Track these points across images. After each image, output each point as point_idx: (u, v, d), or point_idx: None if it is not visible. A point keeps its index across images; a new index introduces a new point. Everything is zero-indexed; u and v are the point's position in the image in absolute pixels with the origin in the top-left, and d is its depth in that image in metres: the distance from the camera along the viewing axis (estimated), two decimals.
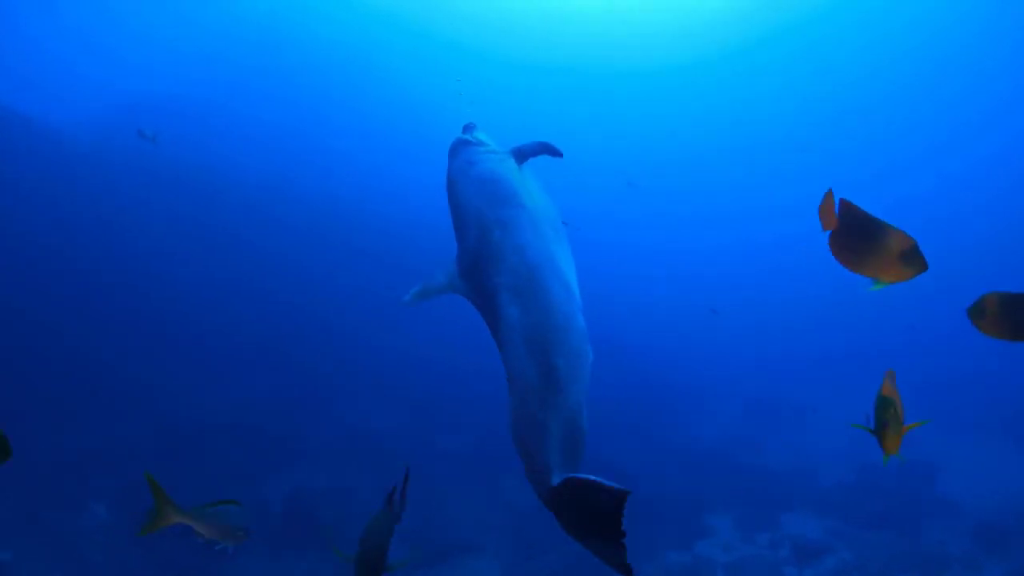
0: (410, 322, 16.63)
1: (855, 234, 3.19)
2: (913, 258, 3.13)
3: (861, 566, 11.79)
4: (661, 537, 12.49)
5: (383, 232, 18.95)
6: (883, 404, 3.24)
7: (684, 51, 38.94)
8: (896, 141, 41.20)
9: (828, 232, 3.25)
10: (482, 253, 3.73)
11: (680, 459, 15.63)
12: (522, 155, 4.36)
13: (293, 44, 26.99)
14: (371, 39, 32.08)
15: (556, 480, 3.04)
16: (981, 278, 10.64)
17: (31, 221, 14.98)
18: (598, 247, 28.20)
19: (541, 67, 37.98)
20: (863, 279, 3.32)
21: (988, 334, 3.29)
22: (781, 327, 28.31)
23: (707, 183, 40.93)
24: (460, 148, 4.48)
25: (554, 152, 4.31)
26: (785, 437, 18.73)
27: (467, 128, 4.73)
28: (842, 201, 3.21)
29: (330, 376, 15.71)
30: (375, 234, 18.79)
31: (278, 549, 10.78)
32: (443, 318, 17.76)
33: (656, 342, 22.78)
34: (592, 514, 2.94)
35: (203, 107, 21.44)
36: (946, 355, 22.92)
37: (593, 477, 2.97)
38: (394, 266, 16.86)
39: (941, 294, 16.49)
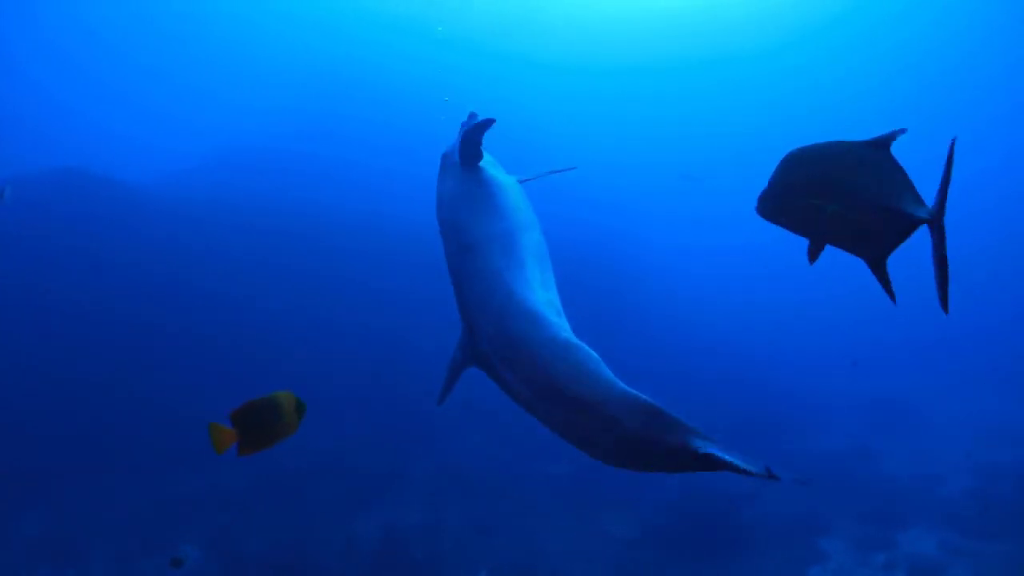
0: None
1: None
2: None
3: None
4: (770, 564, 11.75)
5: None
6: None
7: (744, 41, 38.42)
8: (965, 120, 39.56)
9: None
10: (464, 321, 3.63)
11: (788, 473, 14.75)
12: (468, 149, 4.02)
13: (363, 87, 27.44)
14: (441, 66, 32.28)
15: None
16: None
17: (125, 276, 15.45)
18: (682, 251, 27.71)
19: (591, 69, 37.71)
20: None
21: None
22: (884, 319, 26.94)
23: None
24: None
25: (484, 124, 3.95)
26: (902, 441, 17.61)
27: (469, 118, 4.39)
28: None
29: (426, 410, 15.56)
30: None
31: None
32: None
33: (756, 344, 21.86)
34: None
35: (278, 156, 21.87)
36: None
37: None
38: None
39: None
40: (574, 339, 3.16)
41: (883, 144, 2.81)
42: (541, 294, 3.46)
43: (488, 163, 4.19)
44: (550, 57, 36.57)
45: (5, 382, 13.62)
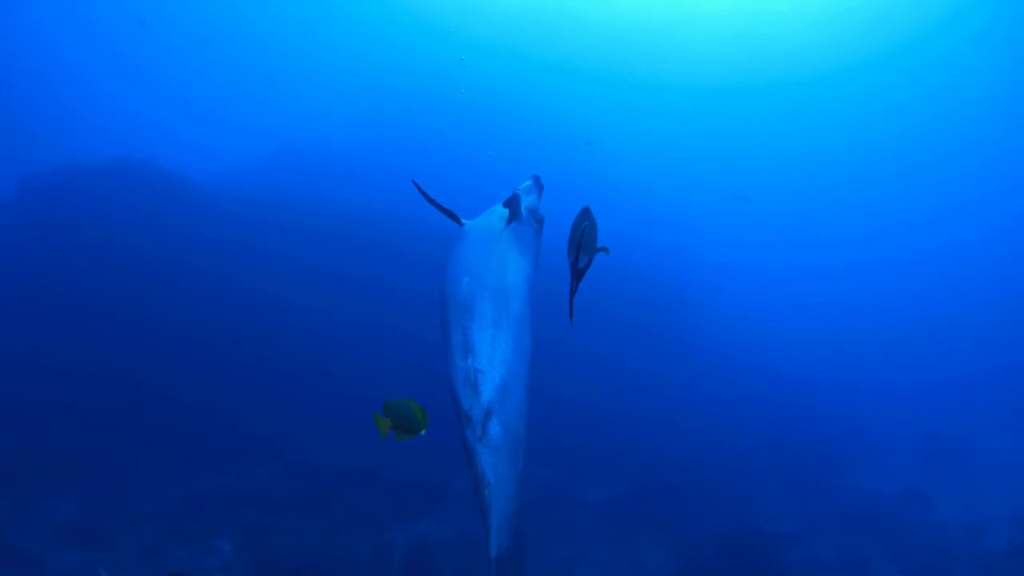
0: (558, 365, 16.16)
1: None
2: None
3: None
4: None
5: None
6: None
7: (804, 66, 37.73)
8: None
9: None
10: None
11: (836, 516, 14.24)
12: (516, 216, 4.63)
13: (424, 98, 27.46)
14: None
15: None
16: None
17: (174, 269, 15.60)
18: (735, 270, 27.18)
19: (649, 84, 37.32)
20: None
21: None
22: (942, 351, 26.00)
23: (834, 200, 39.16)
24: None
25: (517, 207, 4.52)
26: (954, 482, 16.93)
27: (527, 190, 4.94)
28: None
29: None
30: None
31: None
32: (598, 360, 17.30)
33: (806, 371, 21.23)
34: None
35: (336, 160, 21.98)
36: None
37: None
38: (552, 308, 16.57)
39: None
40: (473, 440, 3.87)
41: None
42: (460, 364, 3.97)
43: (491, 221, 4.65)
44: (608, 69, 36.27)
45: (46, 369, 13.82)
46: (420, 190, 4.74)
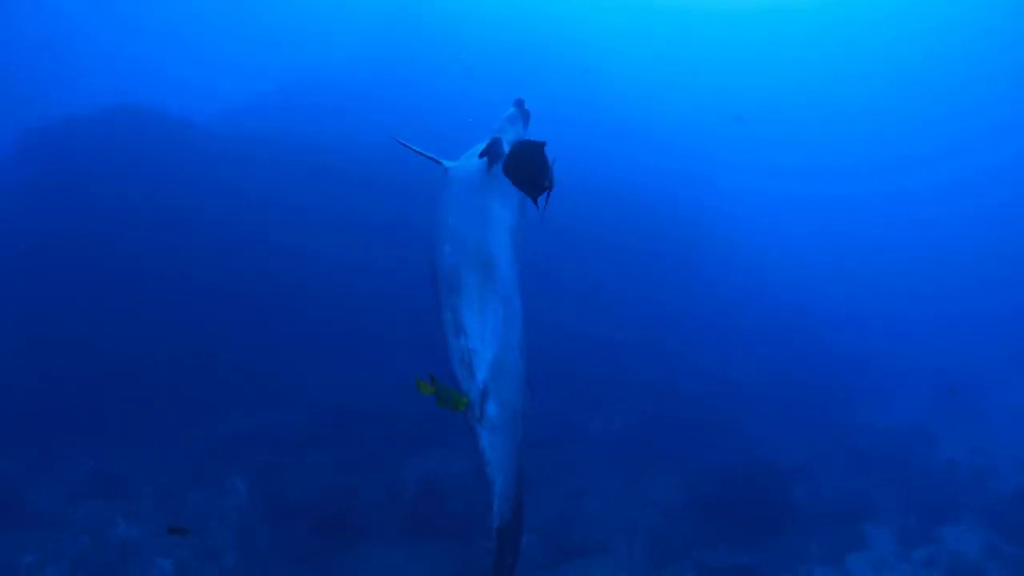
0: (572, 296, 16.16)
1: None
2: None
3: None
4: (811, 545, 11.41)
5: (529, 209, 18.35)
6: None
7: None
8: None
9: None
10: None
11: (844, 452, 14.32)
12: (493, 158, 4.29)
13: (429, 28, 26.83)
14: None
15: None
16: None
17: (180, 215, 15.54)
18: (744, 197, 26.87)
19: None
20: None
21: None
22: (960, 289, 25.64)
23: (848, 128, 38.33)
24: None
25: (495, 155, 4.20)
26: (964, 422, 16.89)
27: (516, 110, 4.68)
28: None
29: None
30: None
31: (407, 535, 10.51)
32: (607, 291, 17.23)
33: (819, 306, 21.05)
34: None
35: (336, 95, 21.58)
36: None
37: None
38: (560, 239, 16.63)
39: None
40: (473, 420, 4.05)
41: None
42: (453, 344, 4.07)
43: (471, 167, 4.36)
44: None
45: (56, 324, 13.96)
46: (403, 144, 4.64)
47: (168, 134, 17.06)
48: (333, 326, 15.11)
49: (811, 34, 38.81)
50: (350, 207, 16.87)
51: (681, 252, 19.33)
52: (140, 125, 17.20)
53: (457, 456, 12.38)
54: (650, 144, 23.18)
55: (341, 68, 23.78)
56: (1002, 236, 30.79)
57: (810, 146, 36.77)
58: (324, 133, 18.58)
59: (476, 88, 21.14)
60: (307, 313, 15.37)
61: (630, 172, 20.72)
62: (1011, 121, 38.39)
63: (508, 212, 4.26)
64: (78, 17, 39.10)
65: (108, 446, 12.35)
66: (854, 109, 39.00)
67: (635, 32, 34.52)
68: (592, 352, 15.63)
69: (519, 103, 4.71)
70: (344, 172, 17.47)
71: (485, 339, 3.86)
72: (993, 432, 16.53)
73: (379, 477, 11.58)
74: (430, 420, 13.11)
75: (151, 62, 39.15)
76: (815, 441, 14.55)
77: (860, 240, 28.70)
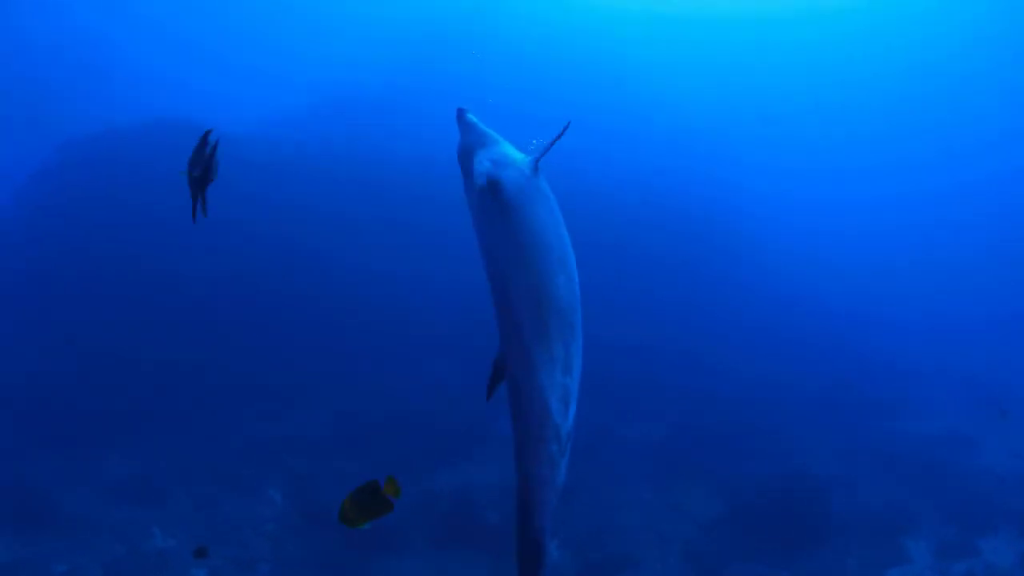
0: (607, 302, 16.07)
1: None
2: None
3: None
4: (849, 560, 11.15)
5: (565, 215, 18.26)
6: None
7: None
8: None
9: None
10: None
11: (882, 461, 14.04)
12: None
13: (458, 41, 26.92)
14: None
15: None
16: None
17: (213, 222, 15.65)
18: (778, 202, 26.59)
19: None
20: None
21: None
22: (1001, 292, 25.09)
23: (878, 129, 37.94)
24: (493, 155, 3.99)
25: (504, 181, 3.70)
26: (1004, 429, 16.43)
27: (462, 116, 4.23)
28: None
29: None
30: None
31: (439, 546, 10.49)
32: (642, 297, 17.16)
33: (855, 311, 20.73)
34: None
35: (371, 107, 21.72)
36: None
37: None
38: (590, 247, 16.39)
39: None
40: (556, 455, 3.54)
41: None
42: (560, 382, 3.56)
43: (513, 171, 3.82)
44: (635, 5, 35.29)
45: (95, 326, 14.17)
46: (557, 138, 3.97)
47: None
48: (368, 334, 15.18)
49: (836, 38, 38.62)
50: (383, 216, 16.97)
51: (717, 258, 19.19)
52: (175, 137, 17.44)
53: (489, 466, 12.34)
54: (685, 151, 23.10)
55: (375, 79, 23.92)
56: None
57: (848, 148, 36.43)
58: (358, 144, 18.72)
59: (507, 98, 21.29)
60: (342, 320, 15.45)
61: (665, 179, 20.67)
62: None
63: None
64: (113, 32, 39.85)
65: (144, 452, 12.47)
66: (888, 109, 38.64)
67: (661, 40, 34.45)
68: (627, 359, 15.52)
69: (460, 112, 4.26)
70: (380, 182, 17.59)
71: (576, 377, 3.68)
72: None
73: (412, 487, 11.54)
74: (463, 429, 13.13)
75: (186, 77, 39.69)
76: (852, 450, 14.29)
77: (895, 244, 28.25)
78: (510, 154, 3.97)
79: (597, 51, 29.05)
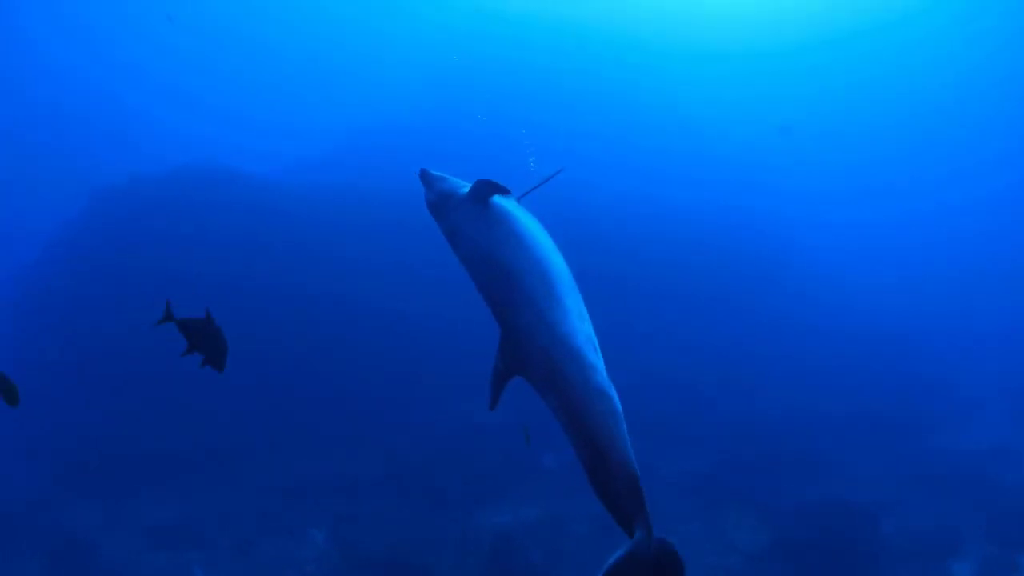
0: (646, 333, 16.04)
1: None
2: None
3: None
4: None
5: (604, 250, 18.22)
6: None
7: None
8: None
9: None
10: (507, 339, 3.99)
11: (925, 481, 13.73)
12: (485, 188, 4.28)
13: (498, 82, 27.10)
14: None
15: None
16: None
17: (256, 268, 15.82)
18: (819, 226, 26.42)
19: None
20: None
21: None
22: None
23: (896, 148, 37.87)
24: (447, 199, 4.50)
25: (500, 188, 4.24)
26: None
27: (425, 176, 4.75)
28: None
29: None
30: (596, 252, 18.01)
31: None
32: (680, 327, 17.04)
33: (890, 329, 20.31)
34: None
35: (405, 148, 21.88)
36: None
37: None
38: (634, 277, 16.65)
39: None
40: (606, 386, 3.58)
41: None
42: (580, 328, 3.79)
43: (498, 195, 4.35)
44: (661, 42, 35.69)
45: (132, 374, 14.23)
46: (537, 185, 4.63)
47: (234, 190, 17.53)
48: (409, 374, 15.13)
49: (861, 59, 38.90)
50: (418, 258, 16.98)
51: (754, 287, 19.04)
52: (207, 182, 17.73)
53: (531, 505, 12.19)
54: (720, 180, 23.08)
55: (404, 122, 24.14)
56: None
57: (873, 168, 36.38)
58: (387, 187, 18.84)
59: (535, 134, 21.42)
60: (382, 362, 15.40)
61: (702, 209, 20.63)
62: None
63: None
64: (144, 80, 40.95)
65: (184, 495, 12.47)
66: (912, 127, 38.61)
67: (703, 77, 34.81)
68: (668, 390, 15.41)
69: (424, 173, 4.83)
70: (411, 224, 17.60)
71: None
72: None
73: (454, 527, 11.43)
74: (504, 468, 12.97)
75: (215, 125, 40.61)
76: (895, 471, 14.02)
77: (928, 258, 27.94)
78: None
79: (633, 87, 29.23)
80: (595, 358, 3.69)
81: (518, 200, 4.42)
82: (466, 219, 4.31)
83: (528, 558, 10.63)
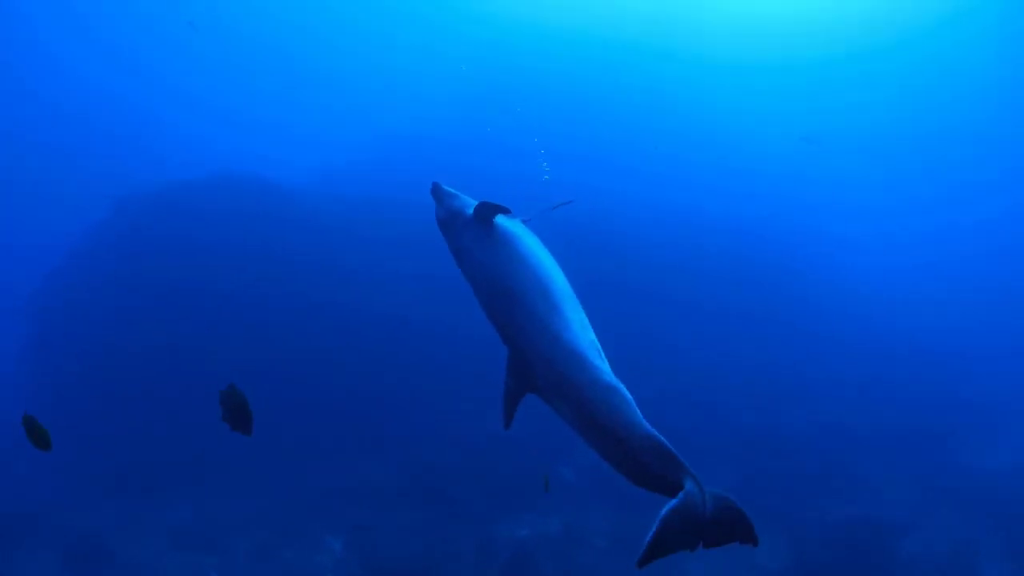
0: (673, 348, 16.00)
1: None
2: None
3: None
4: None
5: (630, 261, 18.20)
6: None
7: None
8: None
9: None
10: (514, 357, 4.12)
11: (951, 499, 13.51)
12: (488, 210, 4.39)
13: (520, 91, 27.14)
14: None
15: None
16: None
17: (280, 276, 15.87)
18: (846, 242, 26.27)
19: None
20: None
21: None
22: None
23: (927, 161, 37.68)
24: (456, 218, 4.60)
25: (501, 209, 4.36)
26: None
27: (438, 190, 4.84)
28: None
29: None
30: (623, 263, 18.00)
31: None
32: (707, 342, 16.96)
33: (918, 345, 20.05)
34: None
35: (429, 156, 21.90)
36: None
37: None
38: (661, 289, 16.64)
39: None
40: (613, 381, 3.71)
41: None
42: (583, 336, 3.93)
43: (501, 216, 4.50)
44: (700, 52, 35.72)
45: (154, 378, 14.29)
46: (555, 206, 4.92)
47: (265, 198, 17.63)
48: (430, 384, 15.09)
49: (899, 71, 38.90)
50: (445, 269, 16.96)
51: (783, 302, 18.94)
52: (232, 189, 17.86)
53: (549, 518, 12.09)
54: (748, 191, 23.08)
55: (433, 134, 24.24)
56: None
57: (904, 181, 36.16)
58: (417, 195, 18.83)
59: (555, 143, 21.51)
60: (403, 371, 15.38)
61: (728, 219, 20.60)
62: None
63: None
64: (167, 88, 41.40)
65: (204, 500, 12.47)
66: (939, 141, 38.40)
67: (737, 88, 34.86)
68: (694, 403, 15.31)
69: (436, 187, 4.93)
70: (435, 234, 17.62)
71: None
72: None
73: (472, 539, 11.35)
74: (522, 481, 12.88)
75: (239, 134, 40.97)
76: (920, 488, 13.82)
77: (952, 274, 27.66)
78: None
79: (672, 98, 29.30)
80: (600, 361, 3.83)
81: (523, 223, 4.57)
82: (471, 239, 4.43)
83: (543, 571, 10.53)
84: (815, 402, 16.34)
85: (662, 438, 3.49)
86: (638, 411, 3.59)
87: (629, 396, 3.65)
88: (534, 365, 3.93)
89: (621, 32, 33.84)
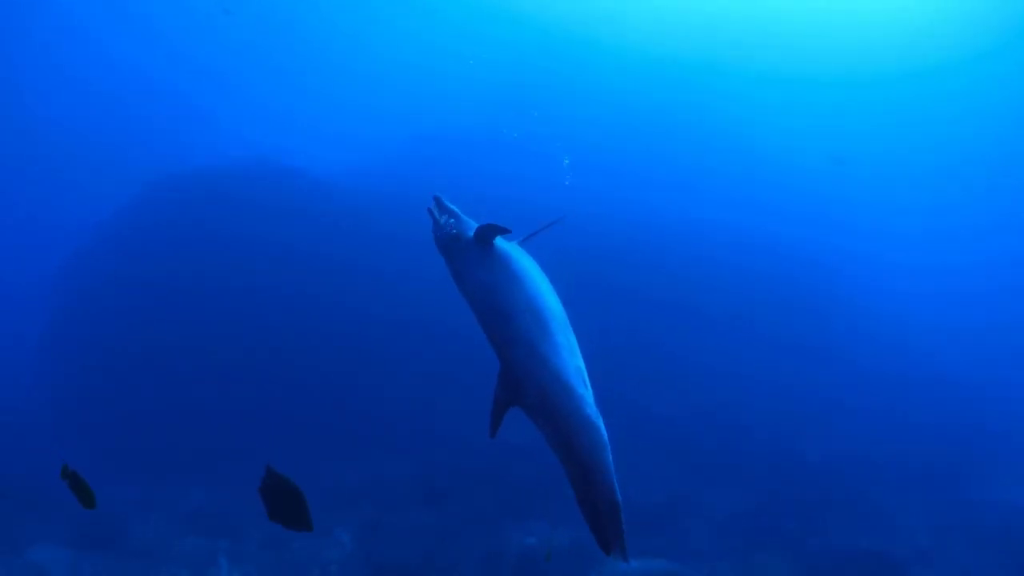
0: (695, 366, 16.00)
1: None
2: None
3: None
4: None
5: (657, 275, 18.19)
6: None
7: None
8: None
9: None
10: (505, 372, 4.26)
11: (966, 532, 13.39)
12: (488, 232, 4.46)
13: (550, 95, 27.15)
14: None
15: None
16: None
17: (306, 268, 15.97)
18: (887, 268, 26.12)
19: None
20: None
21: None
22: None
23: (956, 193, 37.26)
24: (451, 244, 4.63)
25: (502, 230, 4.43)
26: None
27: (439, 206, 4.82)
28: None
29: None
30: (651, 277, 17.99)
31: None
32: (729, 361, 16.93)
33: (940, 376, 19.87)
34: None
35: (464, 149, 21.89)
36: None
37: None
38: (684, 308, 16.60)
39: None
40: (594, 415, 3.89)
41: None
42: (571, 362, 4.08)
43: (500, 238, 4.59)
44: (743, 65, 35.59)
45: (179, 363, 14.43)
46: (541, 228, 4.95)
47: (297, 188, 17.73)
48: (448, 385, 15.13)
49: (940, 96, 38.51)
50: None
51: (808, 327, 18.83)
52: (262, 177, 17.98)
53: (567, 526, 12.07)
54: (778, 210, 22.98)
55: (463, 134, 24.28)
56: None
57: (941, 210, 35.80)
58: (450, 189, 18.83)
59: (586, 151, 21.53)
60: (425, 373, 15.47)
61: (758, 241, 20.50)
62: None
63: None
64: (200, 74, 41.72)
65: (220, 485, 12.57)
66: (978, 173, 38.00)
67: (777, 105, 34.70)
68: (715, 424, 15.32)
69: (438, 200, 4.89)
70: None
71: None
72: None
73: (480, 543, 11.36)
74: (534, 488, 12.90)
75: (283, 118, 41.26)
76: (935, 521, 13.70)
77: (985, 305, 27.41)
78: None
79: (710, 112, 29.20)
80: (583, 390, 4.00)
81: (521, 243, 4.71)
82: (469, 261, 4.53)
83: None
84: (836, 428, 16.24)
85: (619, 498, 3.78)
86: (610, 456, 3.81)
87: (605, 437, 3.86)
88: (523, 383, 4.11)
89: (661, 47, 33.72)
